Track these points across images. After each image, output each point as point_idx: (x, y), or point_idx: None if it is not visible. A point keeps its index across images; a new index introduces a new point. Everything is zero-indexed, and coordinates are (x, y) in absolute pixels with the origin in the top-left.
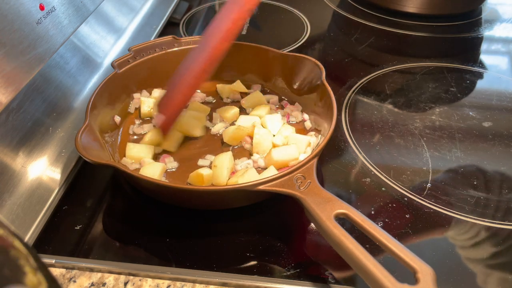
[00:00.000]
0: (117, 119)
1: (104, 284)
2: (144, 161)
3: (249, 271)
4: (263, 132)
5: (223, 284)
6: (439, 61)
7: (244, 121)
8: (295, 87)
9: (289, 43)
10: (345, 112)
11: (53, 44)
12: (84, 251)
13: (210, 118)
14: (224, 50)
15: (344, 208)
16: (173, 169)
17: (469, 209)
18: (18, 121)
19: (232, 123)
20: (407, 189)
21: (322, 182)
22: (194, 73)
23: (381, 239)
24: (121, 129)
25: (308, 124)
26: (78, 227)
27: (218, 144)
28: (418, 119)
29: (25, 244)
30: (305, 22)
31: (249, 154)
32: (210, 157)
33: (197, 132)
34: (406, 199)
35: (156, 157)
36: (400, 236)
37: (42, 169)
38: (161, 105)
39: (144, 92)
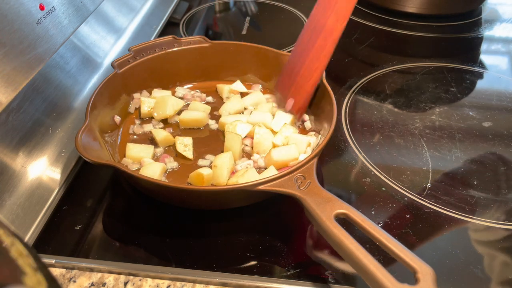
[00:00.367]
0: (117, 119)
1: (104, 284)
2: (144, 161)
3: (249, 271)
4: (263, 132)
5: (223, 284)
6: (439, 61)
7: (256, 117)
8: None
9: (289, 43)
10: (345, 112)
11: (53, 44)
12: (84, 251)
13: (211, 117)
14: (341, 30)
15: (344, 208)
16: (173, 169)
17: (469, 209)
18: (18, 121)
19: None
20: (407, 189)
21: (322, 182)
22: (319, 57)
23: (381, 239)
24: (121, 129)
25: (308, 124)
26: (78, 227)
27: (219, 143)
28: (418, 119)
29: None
30: (305, 22)
31: (249, 155)
32: (210, 157)
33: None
34: (406, 199)
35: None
36: (400, 236)
37: (42, 169)
38: (287, 90)
39: (144, 92)
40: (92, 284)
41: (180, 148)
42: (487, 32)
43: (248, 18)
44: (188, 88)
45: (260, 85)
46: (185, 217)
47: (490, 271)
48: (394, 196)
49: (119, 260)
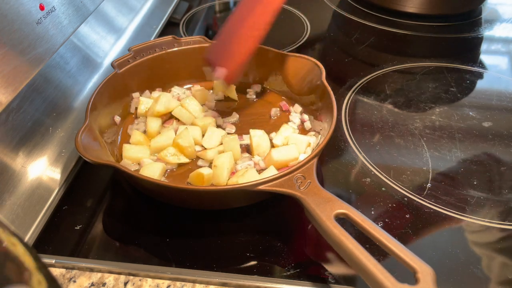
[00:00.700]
0: (117, 119)
1: (104, 284)
2: (144, 161)
3: (249, 271)
4: (259, 134)
5: (223, 284)
6: (439, 61)
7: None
8: (295, 87)
9: (289, 43)
10: (345, 112)
11: (53, 44)
12: (84, 251)
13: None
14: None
15: (344, 208)
16: (173, 169)
17: (469, 209)
18: (18, 121)
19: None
20: (407, 189)
21: (322, 182)
22: (257, 25)
23: (381, 239)
24: (121, 129)
25: (308, 125)
26: (78, 227)
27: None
28: (418, 119)
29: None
30: (305, 22)
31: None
32: (210, 157)
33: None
34: (406, 199)
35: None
36: (400, 236)
37: (42, 169)
38: (217, 58)
39: (146, 92)
40: (92, 284)
41: (140, 109)
42: (487, 32)
43: None
44: (187, 88)
45: (260, 85)
46: (185, 217)
47: (490, 271)
48: (394, 196)
49: (119, 260)
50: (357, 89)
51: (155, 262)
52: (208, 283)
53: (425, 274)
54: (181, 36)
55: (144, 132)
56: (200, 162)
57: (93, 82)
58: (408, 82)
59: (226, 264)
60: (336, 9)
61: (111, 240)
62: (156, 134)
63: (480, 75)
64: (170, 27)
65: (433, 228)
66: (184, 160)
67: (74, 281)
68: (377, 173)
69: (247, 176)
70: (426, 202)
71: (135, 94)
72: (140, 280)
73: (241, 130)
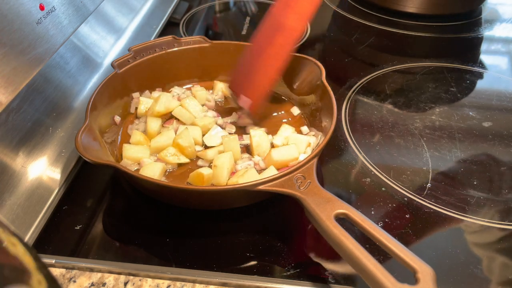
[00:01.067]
0: (117, 119)
1: (104, 284)
2: (144, 161)
3: (249, 271)
4: (259, 133)
5: (223, 284)
6: (439, 61)
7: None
8: (295, 87)
9: None
10: (345, 112)
11: (53, 44)
12: (84, 251)
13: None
14: (302, 30)
15: (344, 208)
16: (173, 169)
17: (469, 209)
18: (18, 121)
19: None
20: (407, 189)
21: (322, 182)
22: (279, 56)
23: (381, 239)
24: (121, 129)
25: (305, 129)
26: (78, 227)
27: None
28: (418, 119)
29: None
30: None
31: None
32: (210, 157)
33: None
34: (406, 199)
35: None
36: (400, 236)
37: (42, 169)
38: (240, 87)
39: (146, 92)
40: (92, 284)
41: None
42: (487, 32)
43: (248, 18)
44: (187, 88)
45: None
46: (185, 217)
47: (490, 271)
48: (394, 196)
49: (119, 260)
50: (357, 89)
51: (155, 262)
52: (208, 283)
53: (425, 274)
54: (181, 36)
55: (144, 132)
56: (200, 162)
57: (93, 82)
58: (408, 82)
59: (226, 264)
60: (336, 9)
61: (111, 240)
62: (156, 134)
63: (480, 75)
64: (170, 27)
65: (433, 228)
66: (184, 160)
67: (74, 281)
68: (377, 173)
69: (247, 176)
70: (426, 202)
71: (135, 94)
72: (140, 280)
73: (241, 130)
